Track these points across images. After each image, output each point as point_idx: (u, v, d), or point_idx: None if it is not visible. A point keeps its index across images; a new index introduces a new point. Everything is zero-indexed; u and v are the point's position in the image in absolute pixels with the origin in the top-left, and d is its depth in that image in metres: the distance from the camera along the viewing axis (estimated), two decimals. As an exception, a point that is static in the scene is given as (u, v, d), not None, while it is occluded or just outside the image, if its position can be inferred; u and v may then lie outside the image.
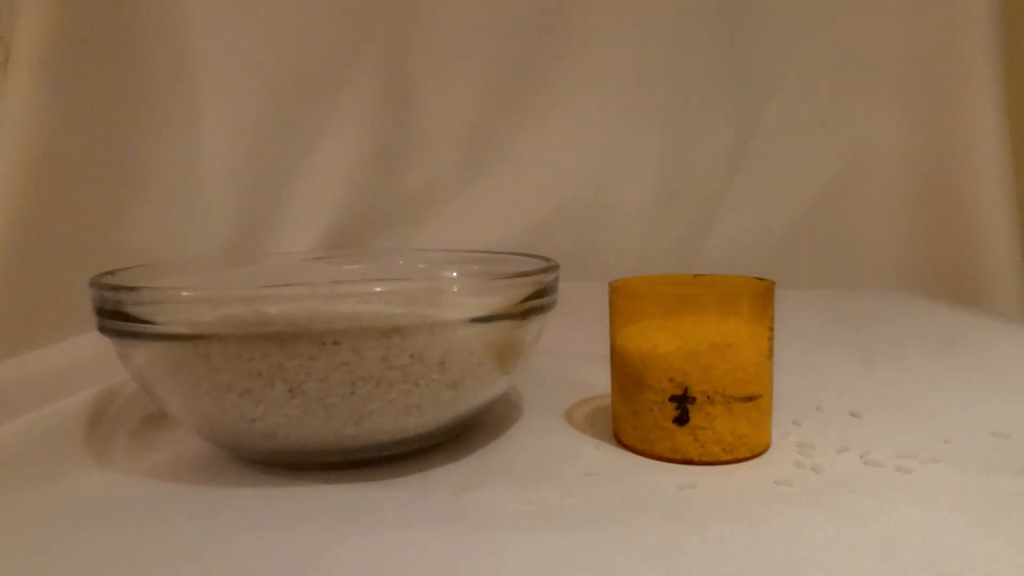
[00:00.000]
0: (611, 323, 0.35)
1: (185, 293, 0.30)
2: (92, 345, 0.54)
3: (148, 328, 0.30)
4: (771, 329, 0.33)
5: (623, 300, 0.35)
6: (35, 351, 0.57)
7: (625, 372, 0.34)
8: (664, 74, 0.89)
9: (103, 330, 0.32)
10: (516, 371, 0.36)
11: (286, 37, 0.82)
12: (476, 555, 0.25)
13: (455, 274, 0.46)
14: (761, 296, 0.33)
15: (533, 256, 0.40)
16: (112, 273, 0.35)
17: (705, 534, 0.26)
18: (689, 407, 0.32)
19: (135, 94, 0.74)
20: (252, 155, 0.81)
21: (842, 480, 0.30)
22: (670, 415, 0.32)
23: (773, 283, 0.34)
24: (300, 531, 0.27)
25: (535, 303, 0.34)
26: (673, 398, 0.32)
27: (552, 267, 0.36)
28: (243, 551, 0.26)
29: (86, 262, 0.30)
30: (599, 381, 0.39)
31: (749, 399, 0.32)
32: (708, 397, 0.32)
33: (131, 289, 0.30)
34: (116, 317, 0.31)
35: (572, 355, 0.50)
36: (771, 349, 0.33)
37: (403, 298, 0.34)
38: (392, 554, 0.25)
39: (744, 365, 0.32)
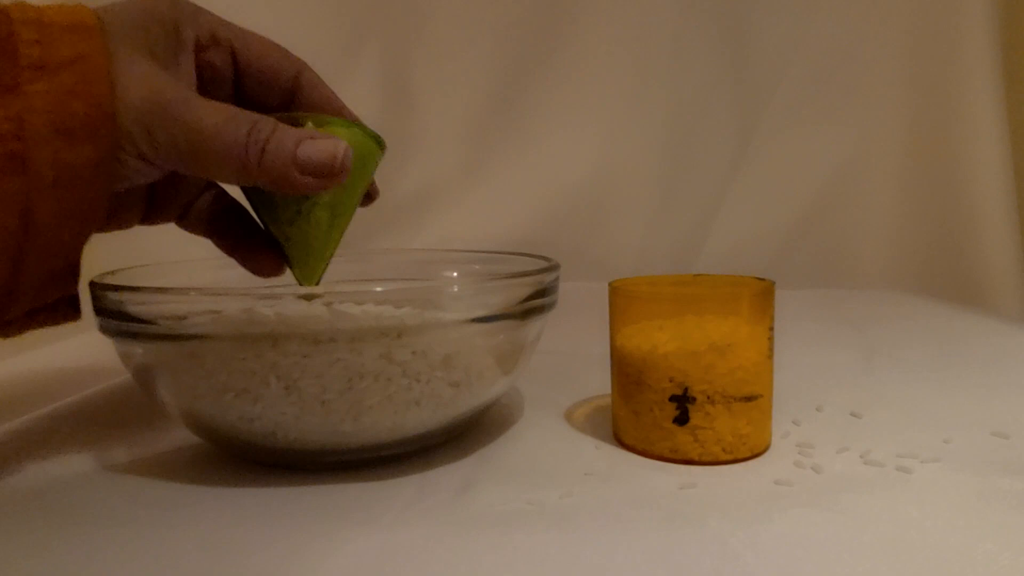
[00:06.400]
0: (611, 323, 0.35)
1: (184, 293, 0.30)
2: (92, 345, 0.54)
3: (148, 328, 0.30)
4: (771, 329, 0.33)
5: (623, 300, 0.35)
6: (35, 351, 0.57)
7: (625, 372, 0.34)
8: (664, 74, 0.89)
9: (103, 330, 0.32)
10: (516, 371, 0.36)
11: (285, 36, 0.82)
12: (476, 555, 0.25)
13: (455, 274, 0.46)
14: (761, 296, 0.33)
15: (533, 256, 0.40)
16: (112, 273, 0.35)
17: (705, 534, 0.26)
18: (689, 407, 0.32)
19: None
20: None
21: (842, 480, 0.30)
22: (670, 415, 0.32)
23: (773, 283, 0.34)
24: (300, 531, 0.27)
25: (536, 303, 0.34)
26: (673, 398, 0.32)
27: (552, 267, 0.36)
28: (243, 551, 0.26)
29: (87, 262, 0.30)
30: (599, 381, 0.39)
31: (749, 399, 0.32)
32: (708, 397, 0.32)
33: (131, 289, 0.30)
34: (116, 317, 0.31)
35: (572, 355, 0.50)
36: (771, 349, 0.33)
37: (403, 298, 0.34)
38: (392, 554, 0.25)
39: (744, 365, 0.32)
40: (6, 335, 0.29)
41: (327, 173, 0.29)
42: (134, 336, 0.30)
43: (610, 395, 0.36)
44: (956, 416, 0.38)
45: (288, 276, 0.35)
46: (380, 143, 0.34)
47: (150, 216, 0.35)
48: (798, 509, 0.28)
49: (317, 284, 0.35)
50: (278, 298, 0.31)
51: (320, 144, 0.29)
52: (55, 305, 0.30)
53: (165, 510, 0.29)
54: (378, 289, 0.32)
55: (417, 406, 0.31)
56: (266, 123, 0.29)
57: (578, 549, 0.25)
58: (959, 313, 0.69)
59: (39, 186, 0.25)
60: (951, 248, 0.87)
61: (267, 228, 0.34)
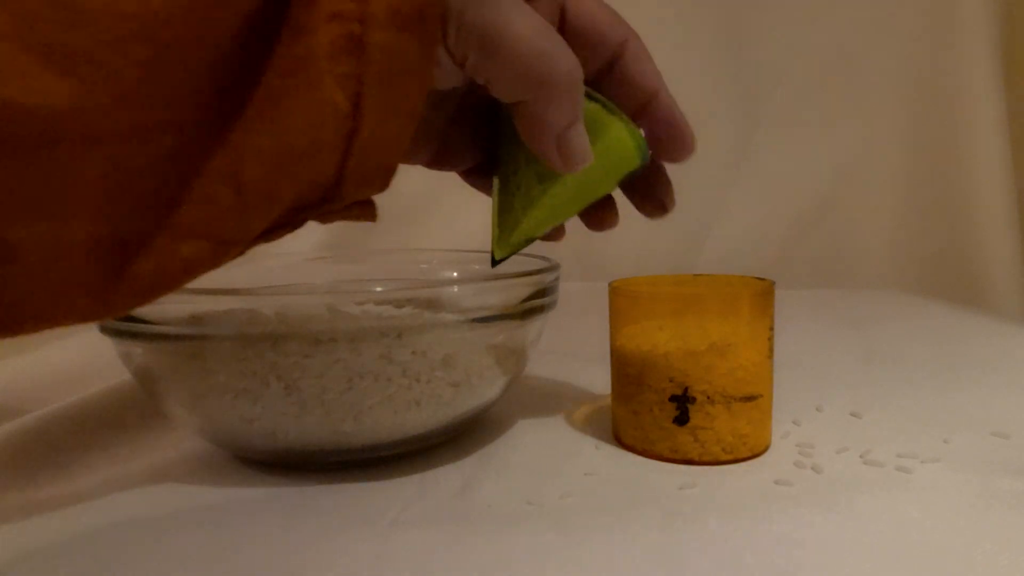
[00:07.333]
0: (611, 323, 0.35)
1: (184, 293, 0.30)
2: (92, 345, 0.54)
3: (148, 328, 0.30)
4: (771, 329, 0.33)
5: (623, 300, 0.35)
6: (35, 351, 0.57)
7: (625, 372, 0.34)
8: (664, 74, 0.89)
9: (103, 330, 0.32)
10: (516, 371, 0.36)
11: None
12: (476, 555, 0.25)
13: (455, 274, 0.46)
14: (761, 296, 0.33)
15: (533, 256, 0.40)
16: (112, 273, 0.34)
17: (705, 534, 0.26)
18: (689, 407, 0.32)
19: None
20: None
21: (842, 480, 0.30)
22: (670, 415, 0.32)
23: (773, 283, 0.34)
24: (300, 531, 0.27)
25: (536, 303, 0.34)
26: (673, 398, 0.32)
27: (552, 267, 0.36)
28: (243, 551, 0.26)
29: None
30: (599, 381, 0.39)
31: (749, 399, 0.32)
32: (708, 397, 0.32)
33: (131, 289, 0.30)
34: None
35: (572, 355, 0.50)
36: (771, 349, 0.33)
37: (403, 298, 0.34)
38: (392, 554, 0.25)
39: (744, 365, 0.32)
40: (324, 220, 0.28)
41: (567, 160, 0.28)
42: (134, 336, 0.30)
43: (610, 395, 0.36)
44: (956, 416, 0.38)
45: (288, 276, 0.35)
46: (644, 158, 0.31)
47: (440, 158, 0.34)
48: (798, 509, 0.28)
49: (501, 259, 0.33)
50: (281, 300, 0.31)
51: (586, 139, 0.28)
52: (365, 202, 0.29)
53: (164, 510, 0.29)
54: (378, 289, 0.32)
55: (417, 406, 0.31)
56: (575, 61, 0.26)
57: (578, 549, 0.25)
58: (959, 313, 0.69)
59: (371, 71, 0.24)
60: (951, 248, 0.87)
61: (494, 170, 0.32)
